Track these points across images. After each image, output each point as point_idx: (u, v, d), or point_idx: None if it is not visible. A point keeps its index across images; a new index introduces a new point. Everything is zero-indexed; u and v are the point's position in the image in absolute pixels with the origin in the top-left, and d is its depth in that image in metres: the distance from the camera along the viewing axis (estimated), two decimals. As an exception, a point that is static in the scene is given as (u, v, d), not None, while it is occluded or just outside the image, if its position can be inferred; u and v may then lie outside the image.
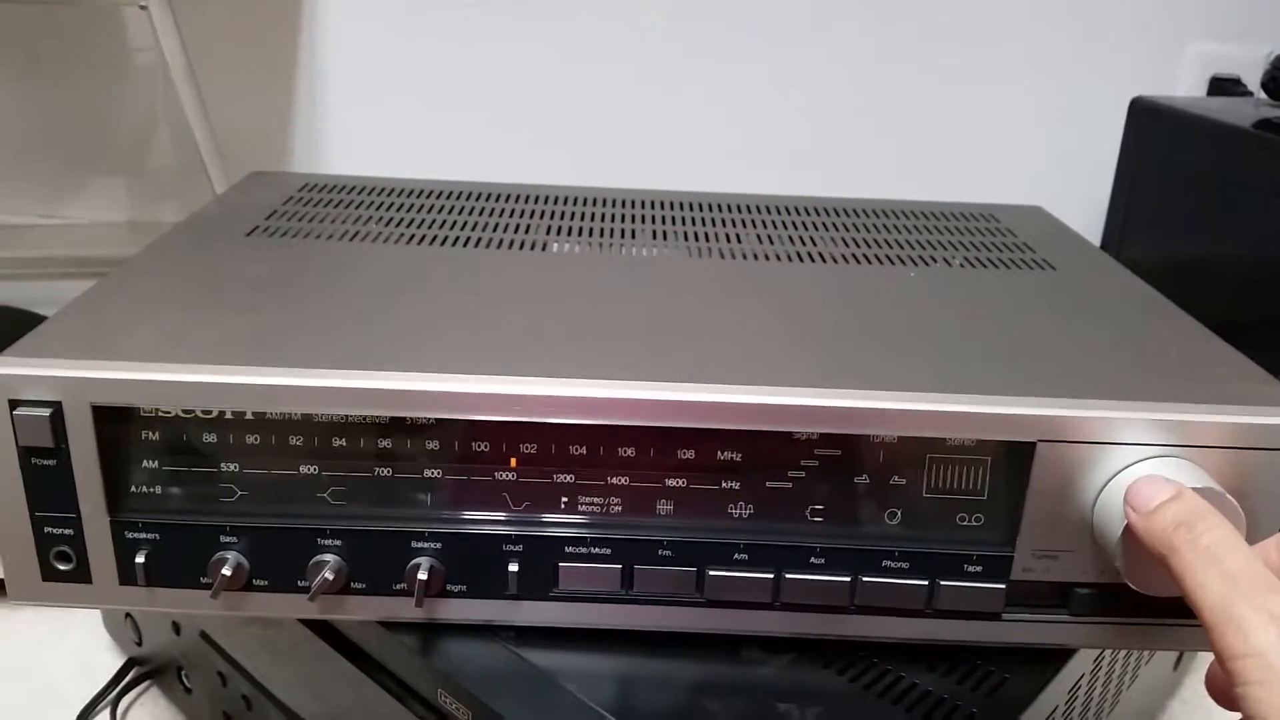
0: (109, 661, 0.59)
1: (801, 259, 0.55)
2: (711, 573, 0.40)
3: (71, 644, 0.61)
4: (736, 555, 0.40)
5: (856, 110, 0.98)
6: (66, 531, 0.40)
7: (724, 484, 0.40)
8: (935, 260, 0.56)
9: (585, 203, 0.64)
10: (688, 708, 0.39)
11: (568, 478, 0.40)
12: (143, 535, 0.40)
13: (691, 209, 0.64)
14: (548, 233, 0.58)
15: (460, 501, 0.41)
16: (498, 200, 0.64)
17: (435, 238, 0.56)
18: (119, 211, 0.95)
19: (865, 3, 0.94)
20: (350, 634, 0.44)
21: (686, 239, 0.58)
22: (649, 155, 0.97)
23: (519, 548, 0.40)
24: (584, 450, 0.40)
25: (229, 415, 0.39)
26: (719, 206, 0.64)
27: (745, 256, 0.55)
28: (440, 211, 0.61)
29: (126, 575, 0.40)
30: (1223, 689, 0.35)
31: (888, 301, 0.50)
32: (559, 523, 0.41)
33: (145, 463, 0.40)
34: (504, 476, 0.40)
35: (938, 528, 0.40)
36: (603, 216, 0.61)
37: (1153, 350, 0.45)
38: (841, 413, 0.38)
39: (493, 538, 0.40)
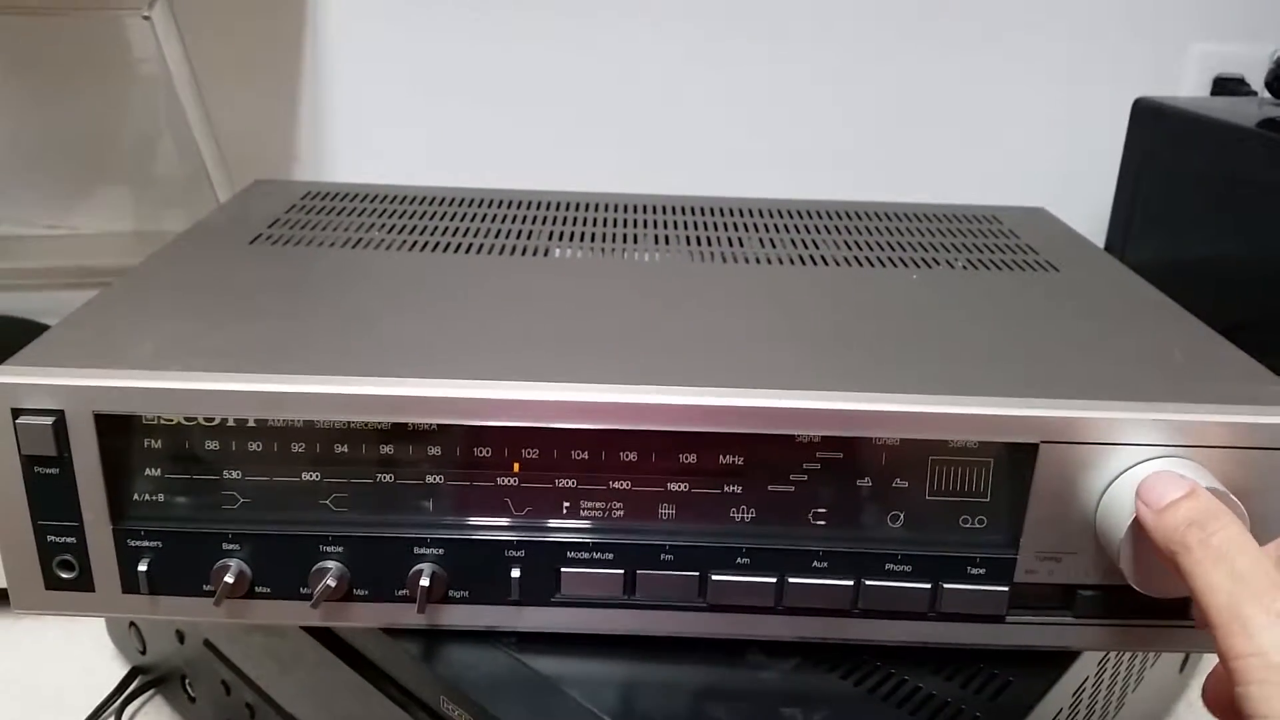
0: (113, 670, 0.59)
1: (804, 262, 0.55)
2: (714, 577, 0.40)
3: (75, 653, 0.61)
4: (739, 559, 0.40)
5: (859, 112, 0.98)
6: (69, 540, 0.40)
7: (726, 488, 0.40)
8: (938, 262, 0.56)
9: (587, 208, 0.64)
10: (691, 713, 0.39)
11: (570, 483, 0.40)
12: (145, 543, 0.40)
13: (693, 213, 0.64)
14: (550, 238, 0.58)
15: (462, 507, 0.41)
16: (500, 206, 0.64)
17: (438, 244, 0.56)
18: (123, 221, 0.95)
19: (869, 6, 0.94)
20: (353, 641, 0.44)
21: (689, 243, 0.58)
22: (651, 157, 0.97)
23: (521, 553, 0.40)
24: (586, 455, 0.40)
25: (231, 423, 0.39)
26: (721, 210, 0.64)
27: (747, 260, 0.55)
28: (443, 218, 0.61)
29: (129, 583, 0.40)
30: (1221, 702, 0.35)
31: (890, 304, 0.50)
32: (561, 528, 0.41)
33: (148, 471, 0.40)
34: (506, 482, 0.40)
35: (941, 530, 0.40)
36: (605, 221, 0.61)
37: (1156, 351, 0.45)
38: (843, 415, 0.38)
39: (495, 543, 0.40)
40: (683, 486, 0.40)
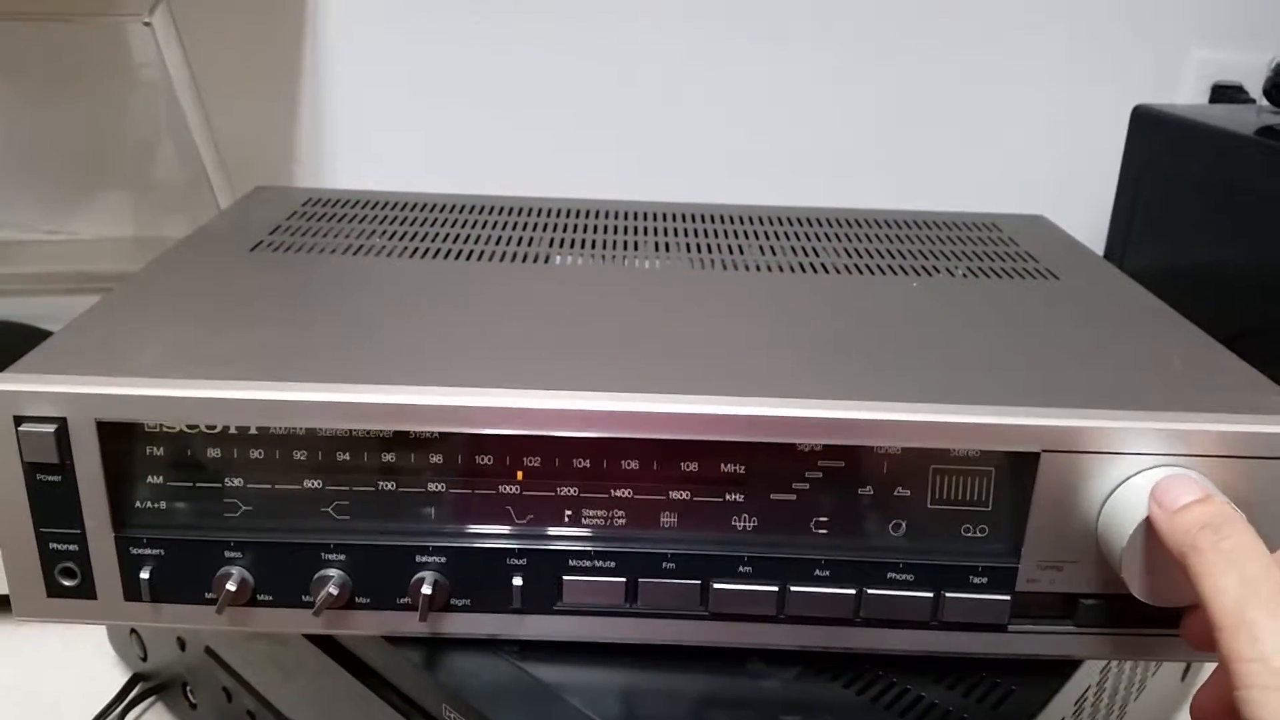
0: (114, 677, 0.59)
1: (804, 270, 0.55)
2: (716, 586, 0.40)
3: (76, 660, 0.61)
4: (741, 568, 0.40)
5: (860, 118, 0.98)
6: (71, 547, 0.40)
7: (728, 496, 0.40)
8: (938, 270, 0.56)
9: (587, 215, 0.64)
10: (693, 721, 0.39)
11: (571, 491, 0.40)
12: (147, 551, 0.40)
13: (694, 220, 0.64)
14: (550, 245, 0.58)
15: (464, 515, 0.41)
16: (500, 213, 0.64)
17: (439, 251, 0.56)
18: (124, 227, 0.95)
19: (870, 12, 0.94)
20: (355, 649, 0.44)
21: (689, 250, 0.58)
22: (651, 160, 0.97)
23: (523, 561, 0.40)
24: (587, 463, 0.40)
25: (233, 430, 0.40)
26: (721, 218, 0.65)
27: (748, 268, 0.55)
28: (443, 225, 0.61)
29: (131, 591, 0.40)
30: (1211, 714, 0.35)
31: (890, 312, 0.50)
32: (563, 536, 0.41)
33: (150, 478, 0.40)
34: (508, 490, 0.40)
35: (942, 539, 0.40)
36: (605, 229, 0.61)
37: (1157, 359, 0.45)
38: (845, 424, 0.38)
39: (497, 552, 0.40)
40: (684, 495, 0.40)
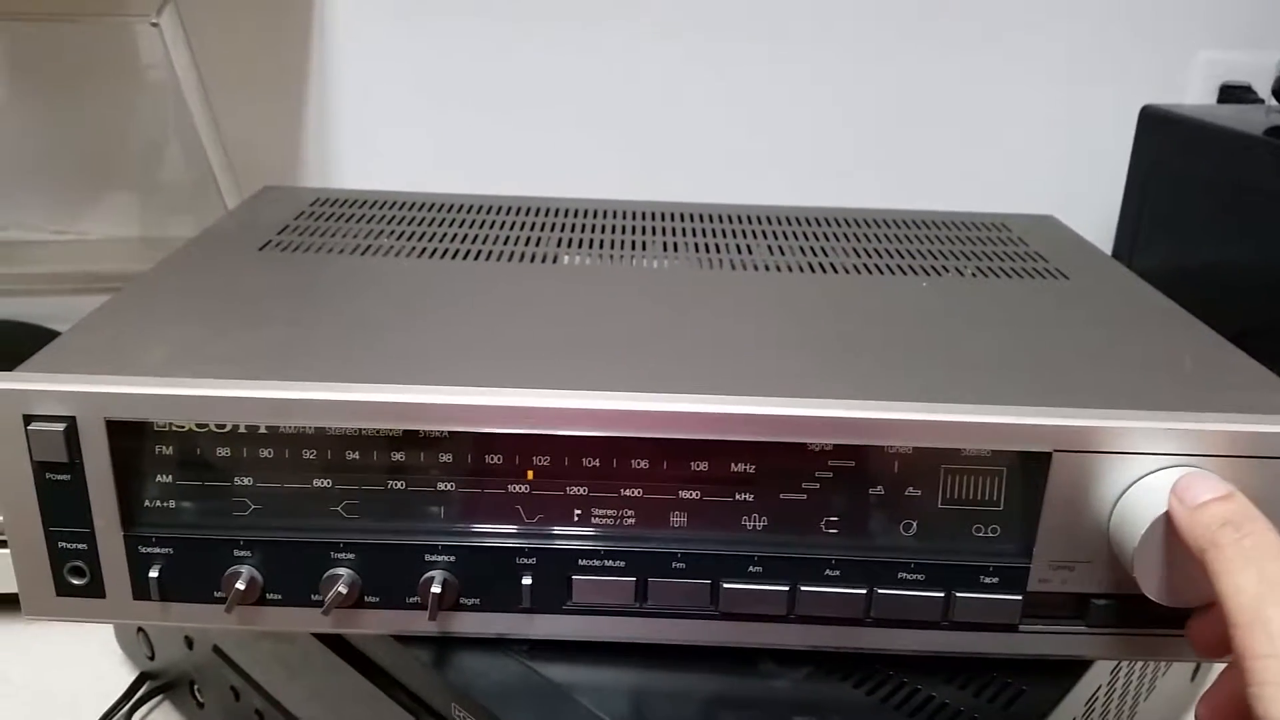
0: (121, 676, 0.59)
1: (812, 270, 0.55)
2: (726, 585, 0.40)
3: (84, 658, 0.61)
4: (751, 568, 0.40)
5: (867, 118, 0.98)
6: (80, 546, 0.40)
7: (738, 496, 0.40)
8: (947, 270, 0.56)
9: (595, 215, 0.64)
10: (703, 721, 0.39)
11: (581, 490, 0.40)
12: (156, 550, 0.40)
13: (701, 220, 0.64)
14: (558, 245, 0.58)
15: (473, 515, 0.41)
16: (508, 213, 0.64)
17: (446, 251, 0.56)
18: (131, 227, 0.95)
19: (875, 14, 0.94)
20: (363, 648, 0.44)
21: (697, 250, 0.58)
22: (653, 159, 0.97)
23: (532, 561, 0.40)
24: (597, 463, 0.40)
25: (242, 429, 0.39)
26: (729, 218, 0.64)
27: (756, 267, 0.55)
28: (451, 225, 0.61)
29: (140, 590, 0.40)
30: (1220, 715, 0.35)
31: (900, 312, 0.50)
32: (572, 535, 0.40)
33: (159, 477, 0.40)
34: (517, 489, 0.40)
35: (953, 539, 0.40)
36: (613, 229, 0.61)
37: (1168, 359, 0.45)
38: (855, 424, 0.38)
39: (506, 551, 0.40)
40: (694, 494, 0.40)
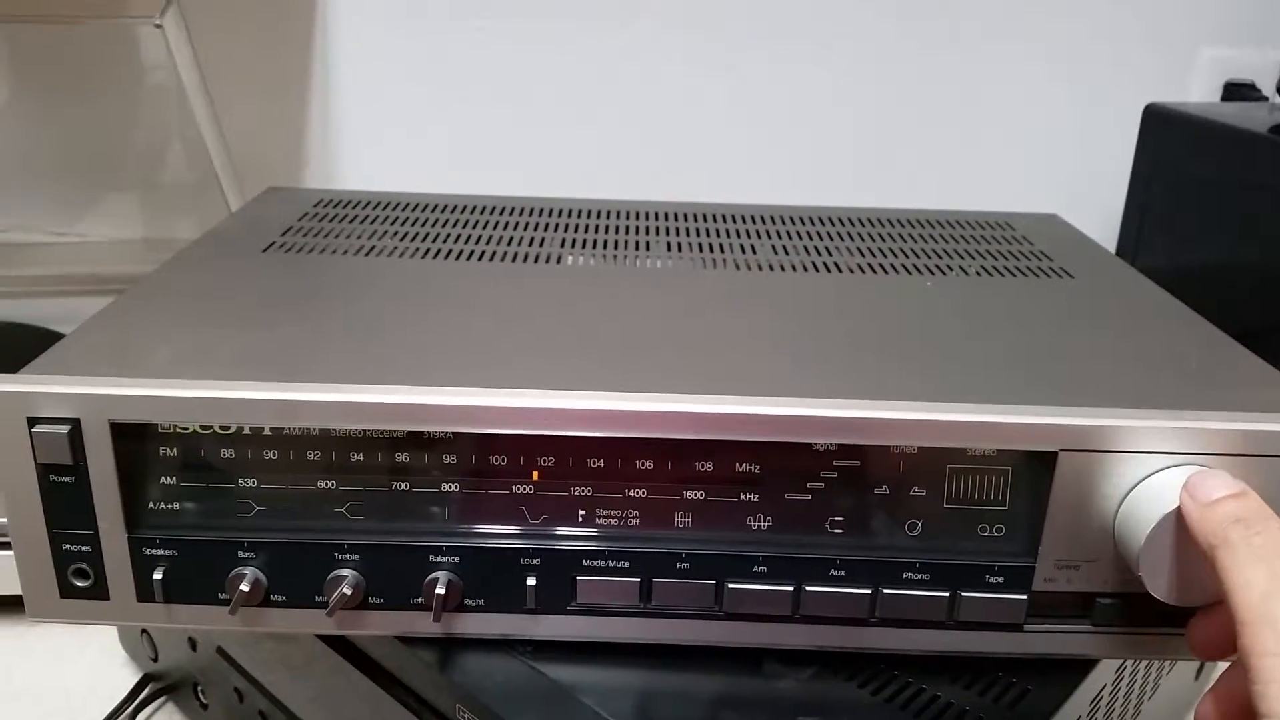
0: (125, 677, 0.59)
1: (817, 269, 0.55)
2: (731, 585, 0.40)
3: (87, 660, 0.61)
4: (756, 568, 0.40)
5: (870, 117, 0.98)
6: (84, 548, 0.40)
7: (742, 496, 0.40)
8: (951, 269, 0.56)
9: (598, 215, 0.64)
10: (708, 722, 0.39)
11: (585, 491, 0.40)
12: (160, 551, 0.40)
13: (705, 220, 0.64)
14: (562, 245, 0.58)
15: (478, 515, 0.40)
16: (511, 214, 0.64)
17: (450, 251, 0.56)
18: (134, 228, 0.95)
19: (881, 13, 0.94)
20: (368, 649, 0.44)
21: (701, 250, 0.58)
22: (658, 164, 0.97)
23: (536, 561, 0.40)
24: (601, 463, 0.40)
25: (247, 431, 0.39)
26: (732, 218, 0.64)
27: (760, 267, 0.55)
28: (454, 225, 0.61)
29: (144, 592, 0.40)
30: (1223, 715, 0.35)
31: (905, 311, 0.50)
32: (577, 536, 0.40)
33: (163, 479, 0.40)
34: (521, 490, 0.40)
35: (959, 539, 0.40)
36: (616, 229, 0.61)
37: (1174, 358, 0.45)
38: (860, 423, 0.38)
39: (510, 551, 0.40)
40: (699, 495, 0.40)
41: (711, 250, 0.58)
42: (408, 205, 0.64)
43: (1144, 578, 0.37)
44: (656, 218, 0.64)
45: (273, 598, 0.41)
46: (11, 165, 0.92)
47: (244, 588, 0.40)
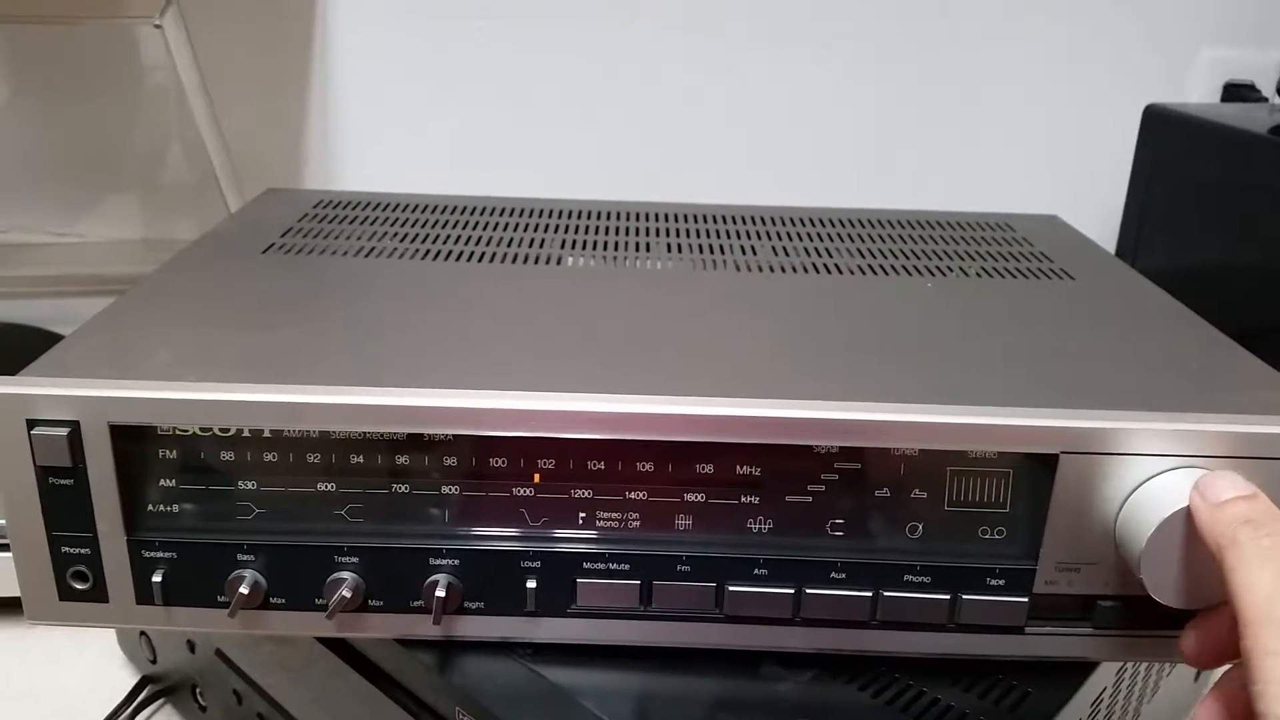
0: (123, 679, 0.59)
1: (817, 270, 0.55)
2: (731, 588, 0.40)
3: (86, 662, 0.61)
4: (756, 570, 0.40)
5: (870, 118, 0.98)
6: (83, 551, 0.40)
7: (743, 498, 0.40)
8: (952, 270, 0.55)
9: (598, 216, 0.64)
10: (708, 725, 0.39)
11: (586, 493, 0.40)
12: (160, 554, 0.40)
13: (704, 221, 0.64)
14: (562, 246, 0.57)
15: (478, 518, 0.40)
16: (511, 215, 0.64)
17: (450, 253, 0.56)
18: (133, 229, 0.95)
19: (878, 12, 0.94)
20: (367, 651, 0.44)
21: (700, 251, 0.58)
22: (659, 164, 0.97)
23: (537, 564, 0.40)
24: (602, 465, 0.40)
25: (246, 433, 0.39)
26: (732, 219, 0.64)
27: (760, 269, 0.55)
28: (454, 227, 0.61)
29: (143, 594, 0.40)
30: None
31: (906, 312, 0.50)
32: (577, 538, 0.40)
33: (162, 481, 0.40)
34: (521, 492, 0.40)
35: (959, 541, 0.40)
36: (616, 230, 0.61)
37: (1175, 359, 0.45)
38: (861, 425, 0.38)
39: (510, 554, 0.40)
40: (699, 497, 0.40)
41: (712, 251, 0.58)
42: (407, 206, 0.64)
43: (1145, 580, 0.37)
44: (656, 219, 0.64)
45: (272, 600, 0.41)
46: (11, 166, 0.91)
47: (243, 590, 0.40)
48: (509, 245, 0.57)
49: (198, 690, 0.55)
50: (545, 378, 0.39)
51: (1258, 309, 0.74)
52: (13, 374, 0.39)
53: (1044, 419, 0.38)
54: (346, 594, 0.40)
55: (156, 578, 0.40)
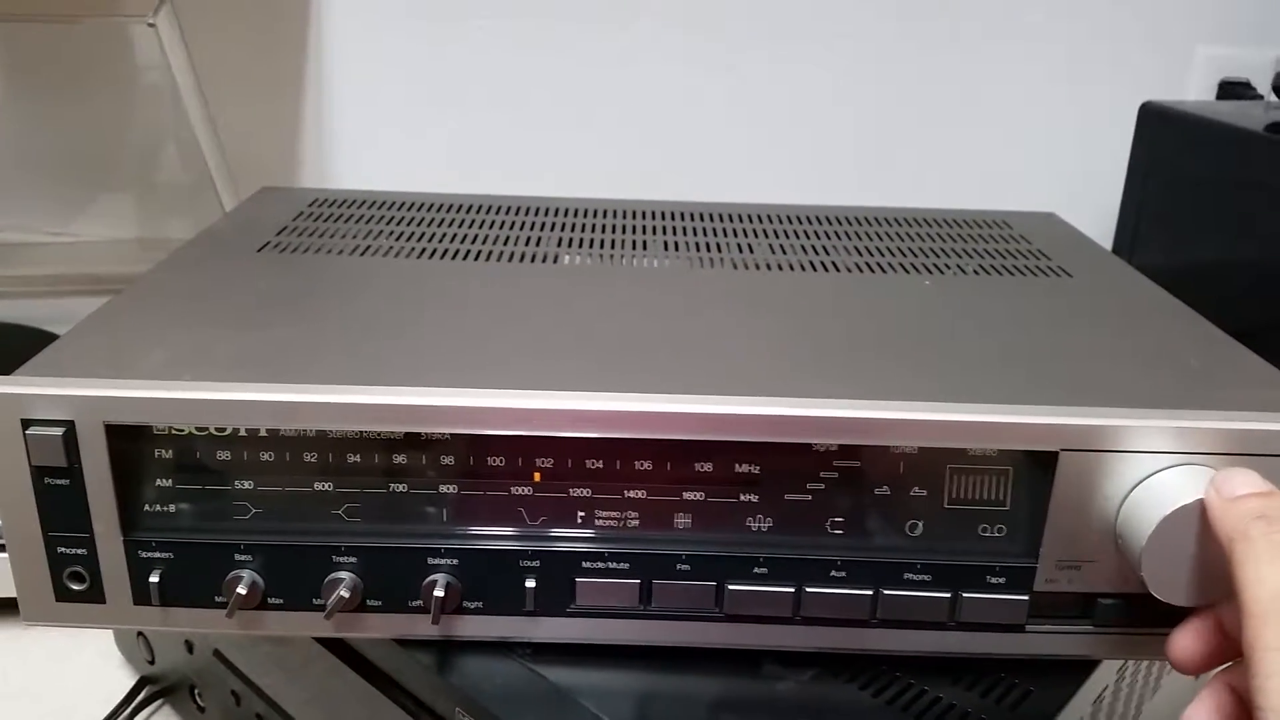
0: (121, 680, 0.59)
1: (815, 269, 0.55)
2: (731, 587, 0.40)
3: (83, 663, 0.60)
4: (756, 569, 0.40)
5: (867, 116, 0.98)
6: (80, 551, 0.39)
7: (743, 497, 0.40)
8: (949, 268, 0.55)
9: (595, 214, 0.64)
10: (708, 724, 0.39)
11: (584, 492, 0.40)
12: (157, 554, 0.40)
13: (702, 219, 0.64)
14: (558, 245, 0.57)
15: (476, 517, 0.40)
16: (508, 213, 0.63)
17: (446, 251, 0.55)
18: (128, 228, 0.95)
19: (878, 12, 0.94)
20: (365, 651, 0.44)
21: (697, 249, 0.58)
22: (657, 163, 0.97)
23: (536, 563, 0.40)
24: (600, 464, 0.40)
25: (243, 433, 0.39)
26: (730, 217, 0.64)
27: (758, 266, 0.55)
28: (451, 225, 0.60)
29: (140, 595, 0.40)
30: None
31: (904, 310, 0.50)
32: (576, 537, 0.40)
33: (159, 481, 0.40)
34: (520, 491, 0.40)
35: (959, 539, 0.40)
36: (613, 228, 0.61)
37: (1174, 357, 0.45)
38: (861, 423, 0.38)
39: (509, 553, 0.40)
40: (699, 496, 0.40)
41: (709, 250, 0.58)
42: (404, 205, 0.64)
43: (1146, 578, 0.37)
44: (653, 217, 0.64)
45: (270, 600, 0.40)
46: (5, 165, 0.91)
47: (241, 590, 0.39)
48: (506, 244, 0.57)
49: (196, 691, 0.55)
50: (543, 376, 0.39)
51: (1254, 306, 0.74)
52: (7, 373, 0.38)
53: (1044, 416, 0.38)
54: (345, 594, 0.39)
55: (154, 578, 0.40)
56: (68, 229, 0.93)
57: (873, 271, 0.55)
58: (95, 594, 0.40)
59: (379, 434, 0.39)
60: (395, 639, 0.42)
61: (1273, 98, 0.85)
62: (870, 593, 0.40)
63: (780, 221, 0.63)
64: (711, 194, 0.70)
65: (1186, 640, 0.37)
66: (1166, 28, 0.96)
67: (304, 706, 0.48)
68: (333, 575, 0.40)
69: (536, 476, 0.40)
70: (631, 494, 0.40)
